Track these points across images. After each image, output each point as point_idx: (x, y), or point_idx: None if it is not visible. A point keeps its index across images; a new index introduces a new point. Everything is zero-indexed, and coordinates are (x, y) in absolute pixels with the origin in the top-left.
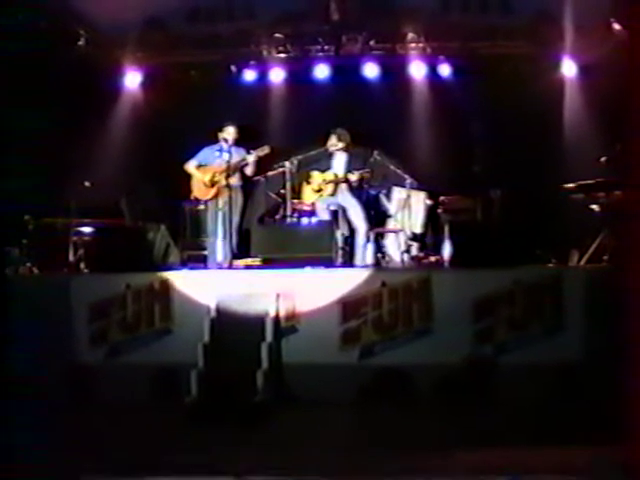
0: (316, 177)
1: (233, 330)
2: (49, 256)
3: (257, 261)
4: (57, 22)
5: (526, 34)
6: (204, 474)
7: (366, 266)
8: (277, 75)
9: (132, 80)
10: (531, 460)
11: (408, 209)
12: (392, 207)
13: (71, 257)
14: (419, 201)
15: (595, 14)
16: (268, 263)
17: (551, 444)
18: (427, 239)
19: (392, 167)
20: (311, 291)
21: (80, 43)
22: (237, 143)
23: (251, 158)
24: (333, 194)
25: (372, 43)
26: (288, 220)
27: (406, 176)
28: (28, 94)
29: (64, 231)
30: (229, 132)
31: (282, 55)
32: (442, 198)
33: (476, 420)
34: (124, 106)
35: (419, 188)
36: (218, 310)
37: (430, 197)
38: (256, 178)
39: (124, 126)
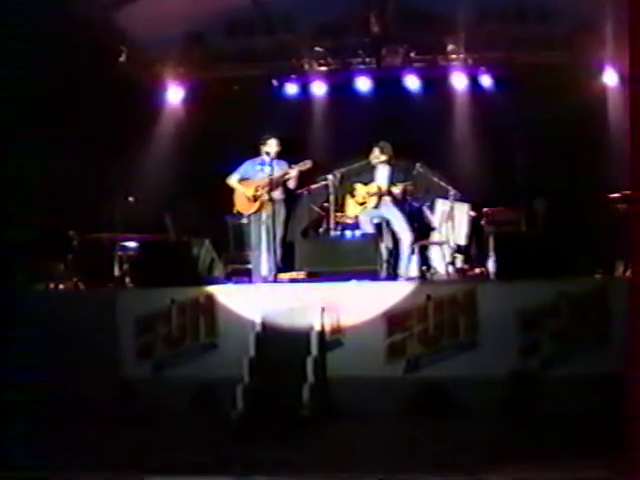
0: (360, 190)
1: (278, 344)
2: (94, 271)
3: (301, 275)
4: (98, 38)
5: (566, 43)
6: None
7: (411, 279)
8: (319, 88)
9: (174, 95)
10: (578, 473)
11: (452, 221)
12: (435, 219)
13: (116, 272)
14: (462, 213)
15: None
16: (313, 277)
17: (599, 457)
18: (471, 251)
19: (435, 179)
20: (356, 304)
21: (121, 59)
22: (279, 156)
23: (293, 172)
24: (376, 207)
25: (413, 55)
26: (332, 233)
27: (449, 188)
28: (71, 110)
29: (109, 246)
30: (271, 145)
31: (323, 68)
32: (486, 210)
33: (521, 434)
34: (167, 121)
35: (462, 200)
36: (263, 324)
37: (473, 209)
38: (299, 192)
39: (167, 141)
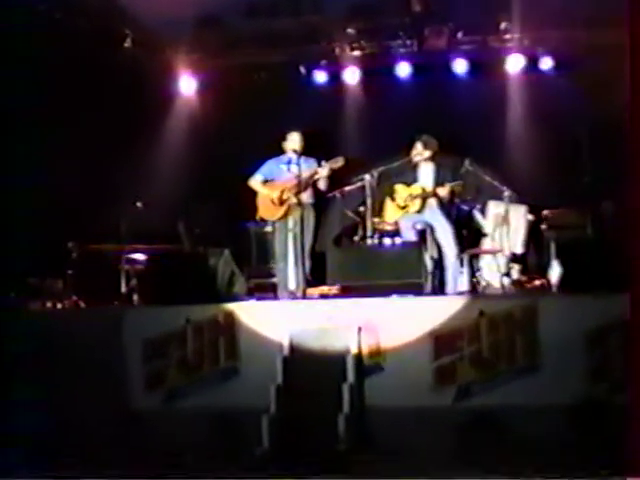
0: (400, 191)
1: (309, 369)
2: (97, 288)
3: (334, 289)
4: (99, 21)
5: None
6: None
7: (460, 293)
8: (352, 75)
9: (187, 86)
10: None
11: (506, 226)
12: (488, 224)
13: (122, 288)
14: (519, 216)
15: None
16: (347, 291)
17: None
18: (530, 260)
19: (487, 178)
20: (398, 323)
21: (126, 45)
22: (307, 153)
23: (324, 172)
24: (420, 211)
25: (460, 36)
26: (369, 241)
27: (503, 188)
28: (70, 105)
29: (114, 259)
30: (294, 140)
31: (357, 53)
32: (546, 212)
33: (590, 467)
34: (179, 115)
35: (519, 201)
36: (292, 346)
37: (532, 211)
38: (330, 194)
39: (180, 138)
